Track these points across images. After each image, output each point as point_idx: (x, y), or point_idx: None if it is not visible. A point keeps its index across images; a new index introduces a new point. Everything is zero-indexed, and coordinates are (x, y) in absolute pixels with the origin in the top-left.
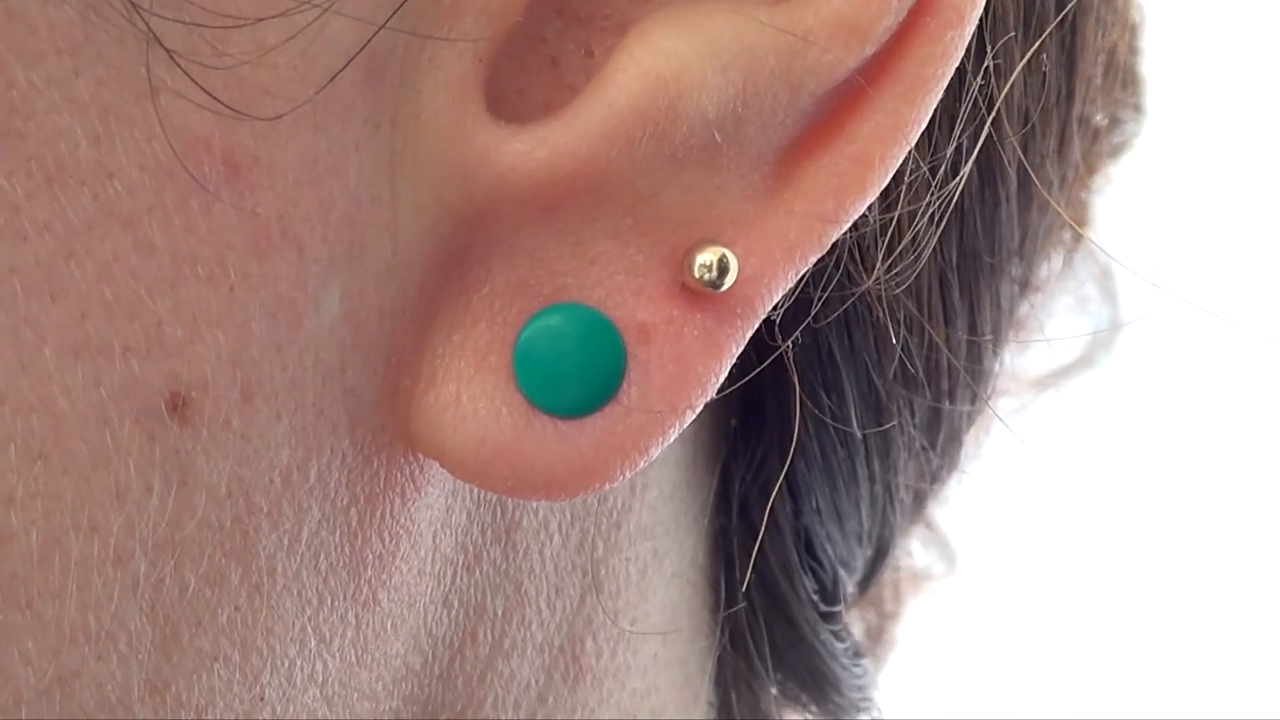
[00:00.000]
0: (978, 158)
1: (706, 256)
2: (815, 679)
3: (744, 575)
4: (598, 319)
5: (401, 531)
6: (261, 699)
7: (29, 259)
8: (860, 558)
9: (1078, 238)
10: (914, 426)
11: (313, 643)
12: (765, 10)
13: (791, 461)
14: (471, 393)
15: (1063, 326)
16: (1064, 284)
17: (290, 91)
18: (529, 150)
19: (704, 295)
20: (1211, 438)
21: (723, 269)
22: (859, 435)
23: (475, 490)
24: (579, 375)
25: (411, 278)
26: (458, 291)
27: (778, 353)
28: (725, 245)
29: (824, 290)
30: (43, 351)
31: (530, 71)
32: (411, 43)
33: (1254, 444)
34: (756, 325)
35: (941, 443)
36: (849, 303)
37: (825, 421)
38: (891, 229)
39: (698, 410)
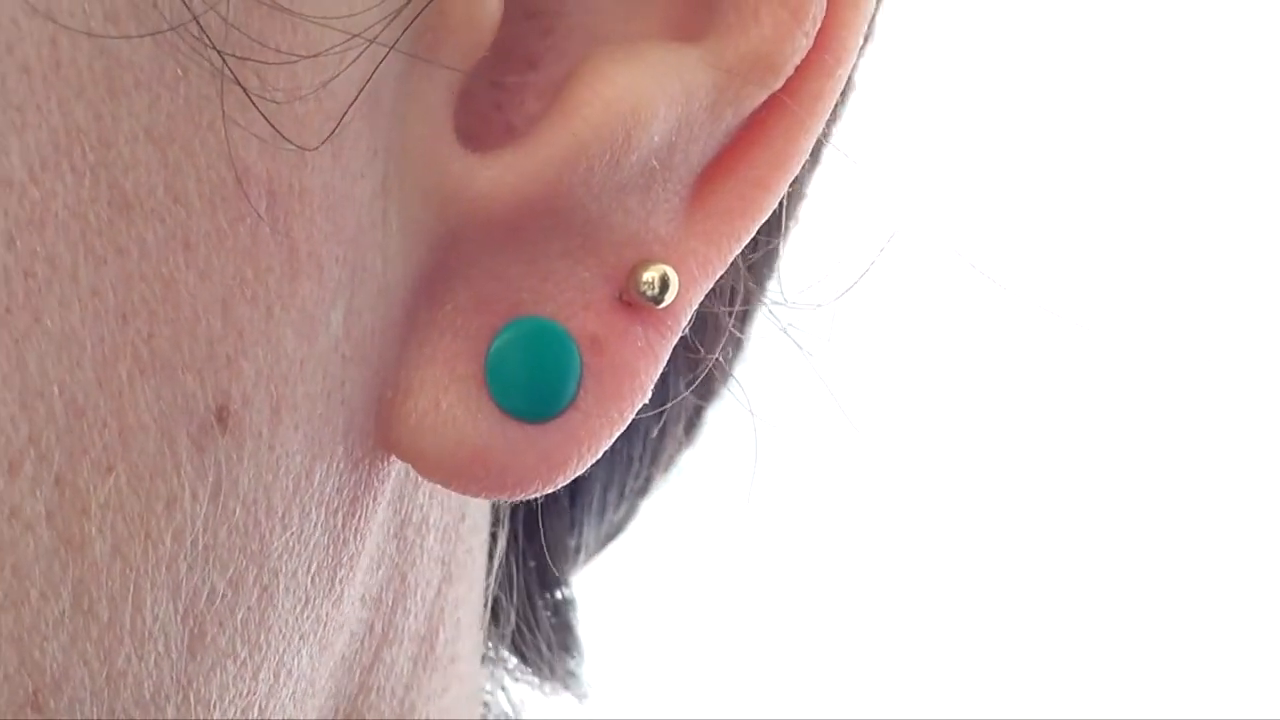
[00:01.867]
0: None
1: (650, 274)
2: (563, 651)
3: (521, 553)
4: (556, 331)
5: (367, 532)
6: (253, 694)
7: (106, 281)
8: (599, 541)
9: None
10: (683, 424)
11: (295, 640)
12: (696, 47)
13: None
14: (449, 400)
15: None
16: None
17: (318, 122)
18: (499, 177)
19: (644, 309)
20: (1191, 437)
21: (664, 285)
22: (647, 434)
23: (391, 492)
24: (544, 383)
25: (396, 295)
26: (427, 308)
27: (709, 363)
28: (657, 263)
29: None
30: (117, 368)
31: (489, 102)
32: (397, 76)
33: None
34: (679, 334)
35: (692, 436)
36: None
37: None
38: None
39: (635, 412)
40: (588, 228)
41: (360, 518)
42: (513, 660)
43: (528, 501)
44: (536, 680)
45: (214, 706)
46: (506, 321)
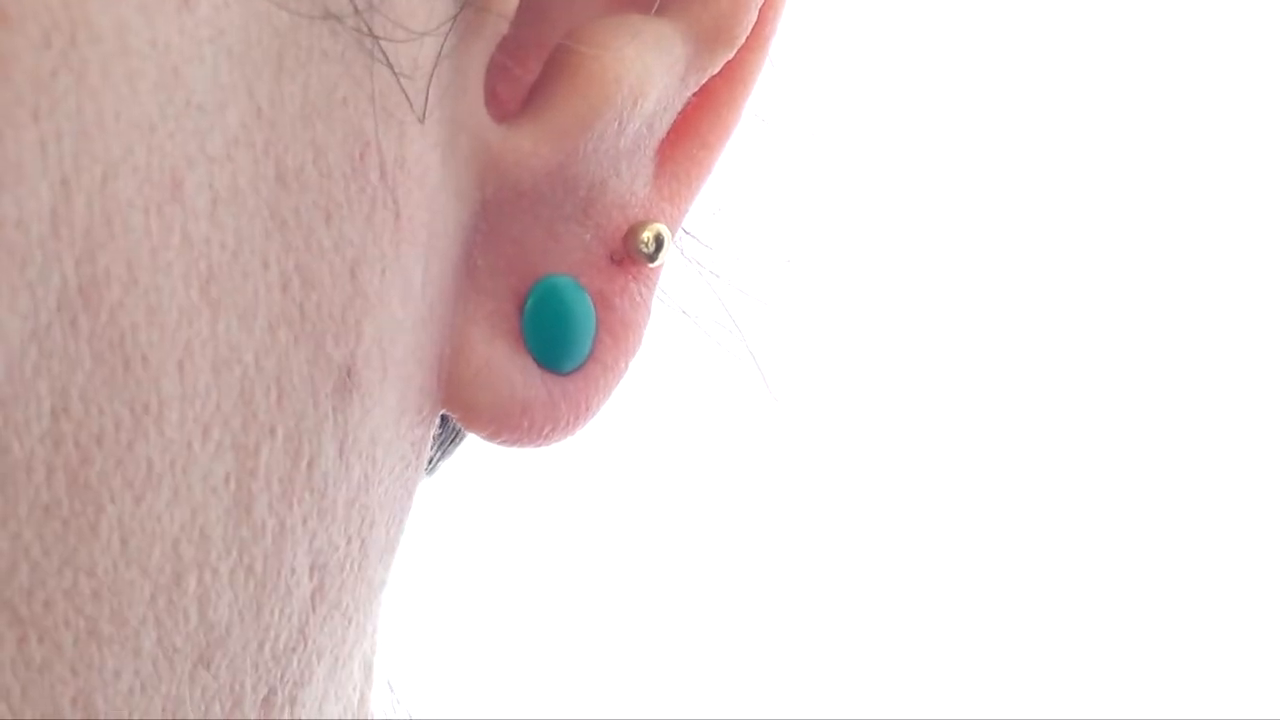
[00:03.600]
0: None
1: (648, 234)
2: None
3: None
4: (580, 288)
5: (416, 487)
6: (345, 643)
7: (273, 252)
8: None
9: None
10: None
11: (378, 590)
12: (672, 20)
13: None
14: (497, 357)
15: None
16: None
17: (418, 96)
18: (529, 146)
19: (638, 267)
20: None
21: (659, 244)
22: None
23: None
24: (574, 337)
25: (450, 260)
26: (467, 274)
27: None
28: (653, 223)
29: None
30: (279, 335)
31: (507, 74)
32: (452, 48)
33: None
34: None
35: None
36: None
37: None
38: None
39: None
40: (591, 191)
41: (415, 471)
42: None
43: None
44: None
45: (323, 657)
46: (531, 281)
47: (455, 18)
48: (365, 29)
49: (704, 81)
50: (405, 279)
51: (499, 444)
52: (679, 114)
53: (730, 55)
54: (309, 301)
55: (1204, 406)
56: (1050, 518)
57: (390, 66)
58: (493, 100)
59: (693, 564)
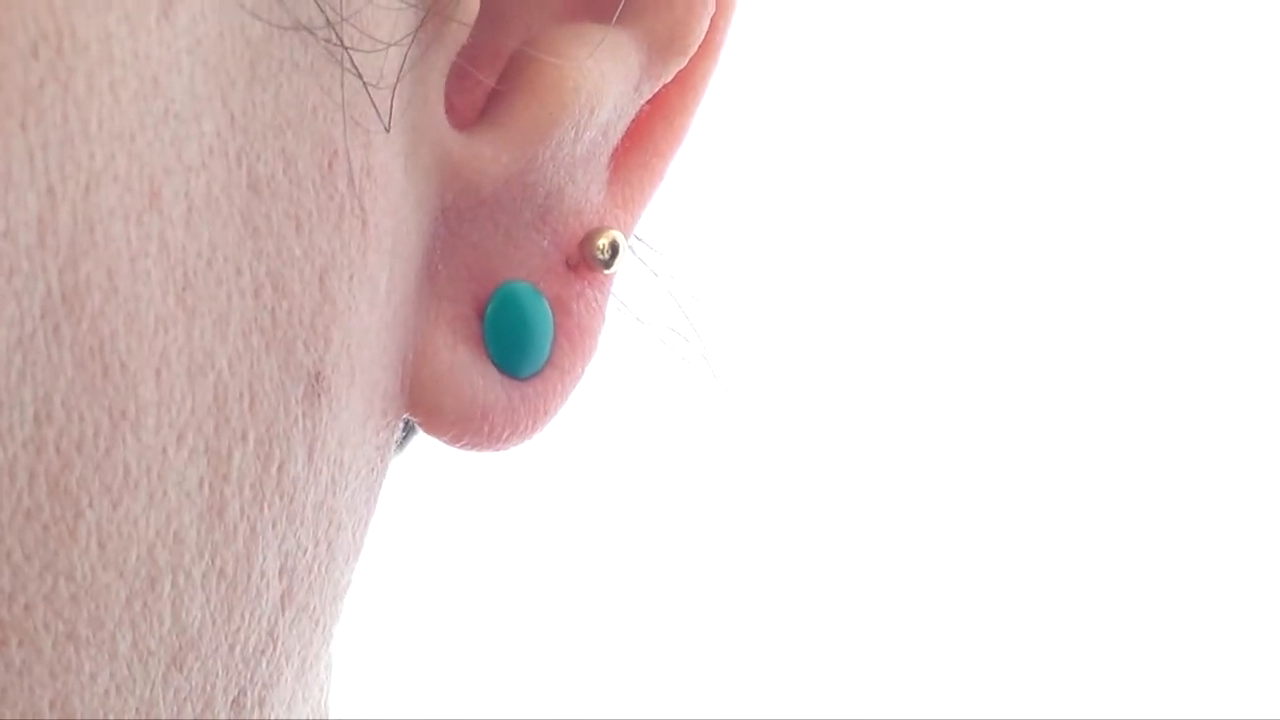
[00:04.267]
0: None
1: (603, 240)
2: None
3: None
4: (536, 295)
5: (380, 489)
6: (313, 644)
7: (245, 259)
8: None
9: None
10: None
11: (342, 593)
12: (626, 29)
13: None
14: (460, 362)
15: None
16: None
17: (381, 106)
18: (488, 154)
19: (594, 273)
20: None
21: (614, 250)
22: None
23: None
24: (533, 342)
25: (413, 265)
26: (428, 278)
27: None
28: (608, 230)
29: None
30: (251, 340)
31: (465, 82)
32: (416, 58)
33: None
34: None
35: None
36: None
37: None
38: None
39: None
40: (548, 199)
41: (379, 475)
42: None
43: None
44: None
45: (291, 658)
46: (491, 287)
47: (418, 28)
48: (336, 40)
49: (657, 89)
50: (372, 285)
51: (459, 448)
52: (632, 121)
53: (683, 63)
54: (280, 308)
55: (1201, 406)
56: (1041, 516)
57: (360, 76)
58: (450, 108)
59: (651, 566)
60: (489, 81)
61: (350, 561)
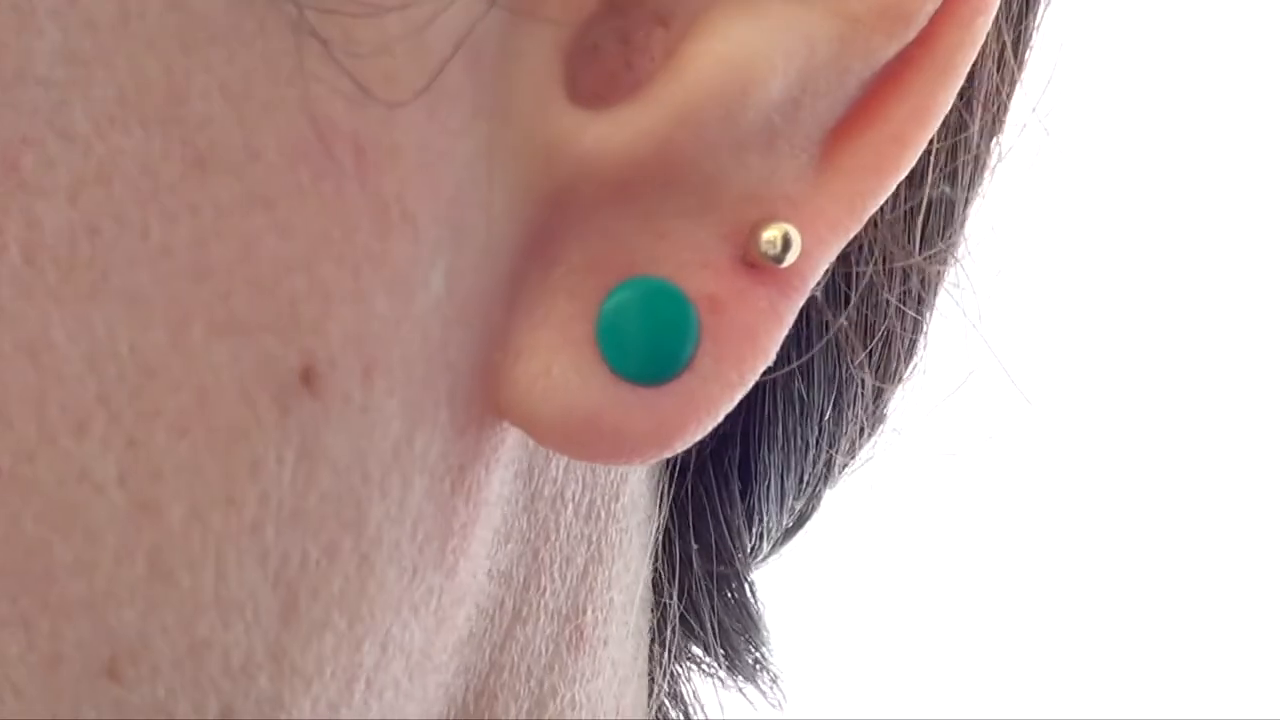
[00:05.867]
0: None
1: (771, 233)
2: (741, 637)
3: (689, 544)
4: (672, 291)
5: (482, 502)
6: (360, 666)
7: (180, 239)
8: (781, 528)
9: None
10: (861, 406)
11: (405, 612)
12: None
13: (758, 439)
14: (560, 364)
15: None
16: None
17: (410, 78)
18: (609, 134)
19: (766, 270)
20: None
21: (786, 245)
22: (818, 416)
23: (517, 463)
24: (658, 345)
25: (502, 256)
26: (539, 269)
27: (833, 330)
28: (781, 223)
29: (878, 265)
30: (190, 329)
31: (604, 59)
32: (501, 33)
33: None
34: (805, 298)
35: (876, 421)
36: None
37: (794, 404)
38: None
39: (758, 376)
40: (705, 186)
41: (471, 486)
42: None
43: (697, 486)
44: (725, 675)
45: (313, 679)
46: (620, 283)
47: None
48: (301, 3)
49: (877, 68)
50: (400, 275)
51: (583, 460)
52: (854, 103)
53: (905, 37)
54: (238, 295)
55: (1198, 406)
56: (1034, 514)
57: (321, 40)
58: (582, 86)
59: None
60: (642, 58)
61: (424, 577)
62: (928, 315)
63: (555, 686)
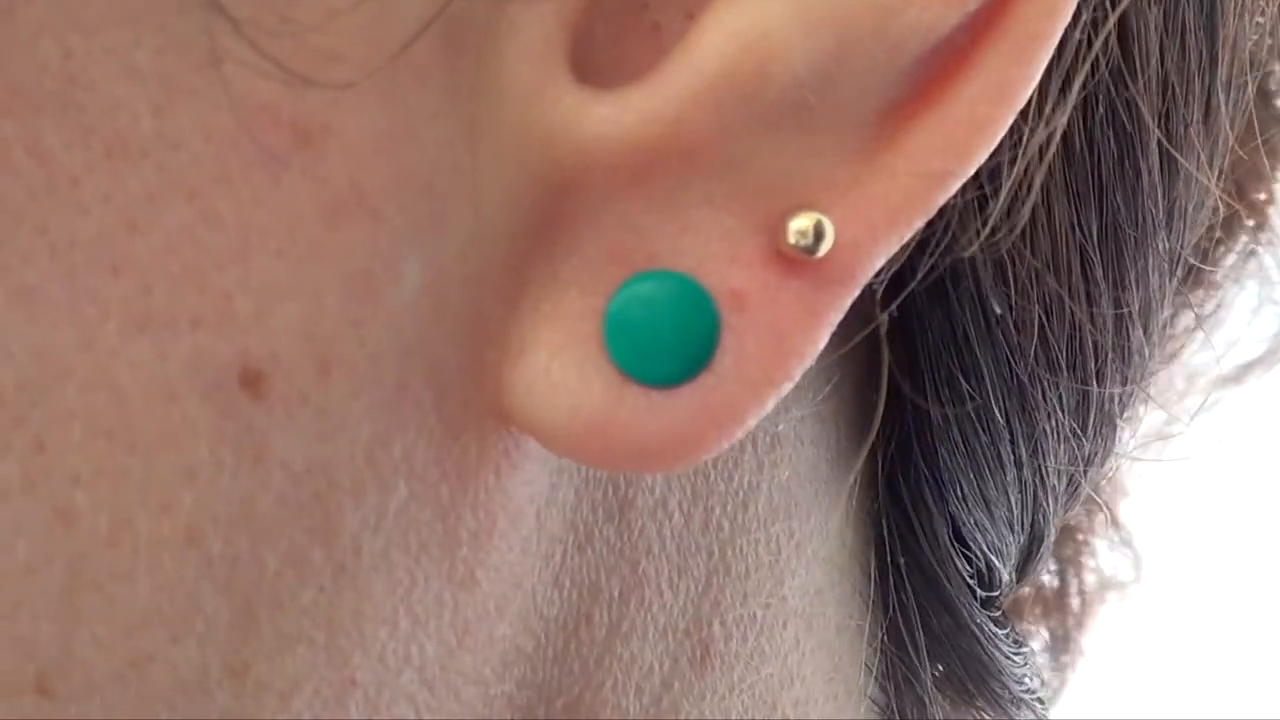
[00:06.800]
0: (1114, 125)
1: (801, 222)
2: (975, 666)
3: (894, 556)
4: (691, 286)
5: (498, 508)
6: (353, 682)
7: (89, 232)
8: (1013, 545)
9: (1259, 227)
10: (1061, 410)
11: (405, 624)
12: None
13: (934, 448)
14: (562, 363)
15: (1244, 321)
16: (1247, 276)
17: (362, 58)
18: (615, 115)
19: (801, 262)
20: None
21: (819, 235)
22: (1001, 420)
23: (584, 467)
24: (671, 343)
25: (495, 248)
26: (545, 261)
27: (872, 325)
28: (822, 211)
29: (932, 257)
30: (106, 327)
31: (617, 36)
32: (490, 8)
33: None
34: (856, 293)
35: (1093, 426)
36: (954, 278)
37: (965, 407)
38: (1007, 197)
39: (795, 380)
40: (730, 171)
41: (478, 493)
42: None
43: (886, 492)
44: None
45: (289, 695)
46: (643, 273)
47: None
48: None
49: (939, 39)
50: (357, 268)
51: (604, 469)
52: (918, 79)
53: (966, 8)
54: (159, 291)
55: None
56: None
57: (232, 20)
58: (588, 64)
59: None
60: (627, 34)
61: (427, 588)
62: (1130, 310)
63: (677, 704)
